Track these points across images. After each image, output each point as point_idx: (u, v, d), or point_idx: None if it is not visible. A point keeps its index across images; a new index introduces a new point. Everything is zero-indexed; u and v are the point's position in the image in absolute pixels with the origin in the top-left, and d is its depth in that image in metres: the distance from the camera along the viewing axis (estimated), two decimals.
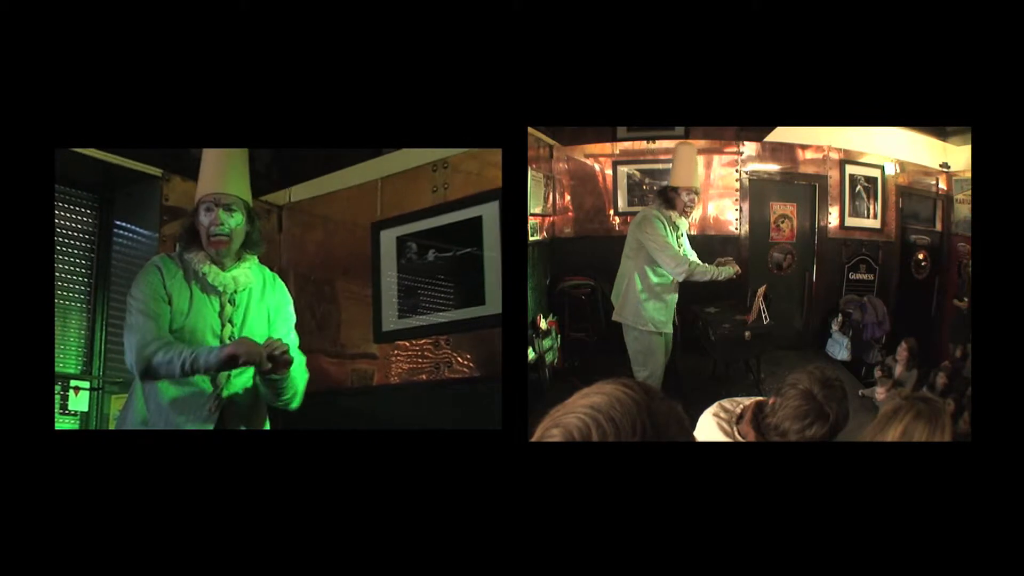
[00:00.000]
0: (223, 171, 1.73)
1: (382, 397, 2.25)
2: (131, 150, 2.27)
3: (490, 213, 2.09)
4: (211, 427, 1.67)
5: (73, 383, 2.27)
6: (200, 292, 1.71)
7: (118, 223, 2.41)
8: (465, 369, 2.14)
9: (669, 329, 2.83)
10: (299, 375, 1.76)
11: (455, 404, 2.11)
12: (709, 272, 2.75)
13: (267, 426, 1.87)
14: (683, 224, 2.88)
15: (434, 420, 2.12)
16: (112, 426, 2.23)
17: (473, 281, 2.13)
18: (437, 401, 2.15)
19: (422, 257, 2.25)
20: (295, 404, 1.78)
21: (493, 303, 2.08)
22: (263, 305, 1.80)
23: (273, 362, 1.59)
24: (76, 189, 2.33)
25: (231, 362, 1.59)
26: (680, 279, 2.75)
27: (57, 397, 2.22)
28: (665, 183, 2.97)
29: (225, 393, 1.71)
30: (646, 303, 2.75)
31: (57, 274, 2.26)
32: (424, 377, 2.20)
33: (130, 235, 2.36)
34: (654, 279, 2.75)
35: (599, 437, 0.64)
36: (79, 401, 2.27)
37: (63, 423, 2.26)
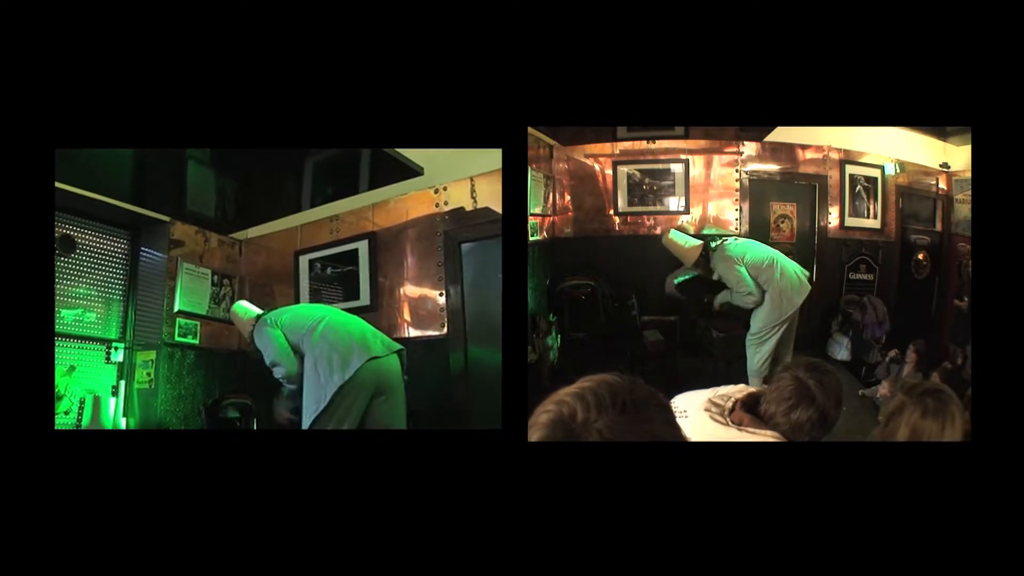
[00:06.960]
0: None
1: None
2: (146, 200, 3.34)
3: (363, 246, 3.38)
4: None
5: (114, 344, 3.41)
6: None
7: (143, 248, 3.62)
8: None
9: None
10: None
11: None
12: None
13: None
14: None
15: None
16: (139, 371, 3.40)
17: (353, 285, 3.39)
18: None
19: (323, 271, 3.53)
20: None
21: (364, 298, 3.36)
22: None
23: None
24: (118, 228, 3.51)
25: None
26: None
27: (102, 353, 3.33)
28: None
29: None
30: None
31: (102, 276, 3.41)
32: None
33: (149, 255, 3.63)
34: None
35: (583, 411, 0.72)
36: (117, 355, 3.40)
37: (108, 369, 3.33)
